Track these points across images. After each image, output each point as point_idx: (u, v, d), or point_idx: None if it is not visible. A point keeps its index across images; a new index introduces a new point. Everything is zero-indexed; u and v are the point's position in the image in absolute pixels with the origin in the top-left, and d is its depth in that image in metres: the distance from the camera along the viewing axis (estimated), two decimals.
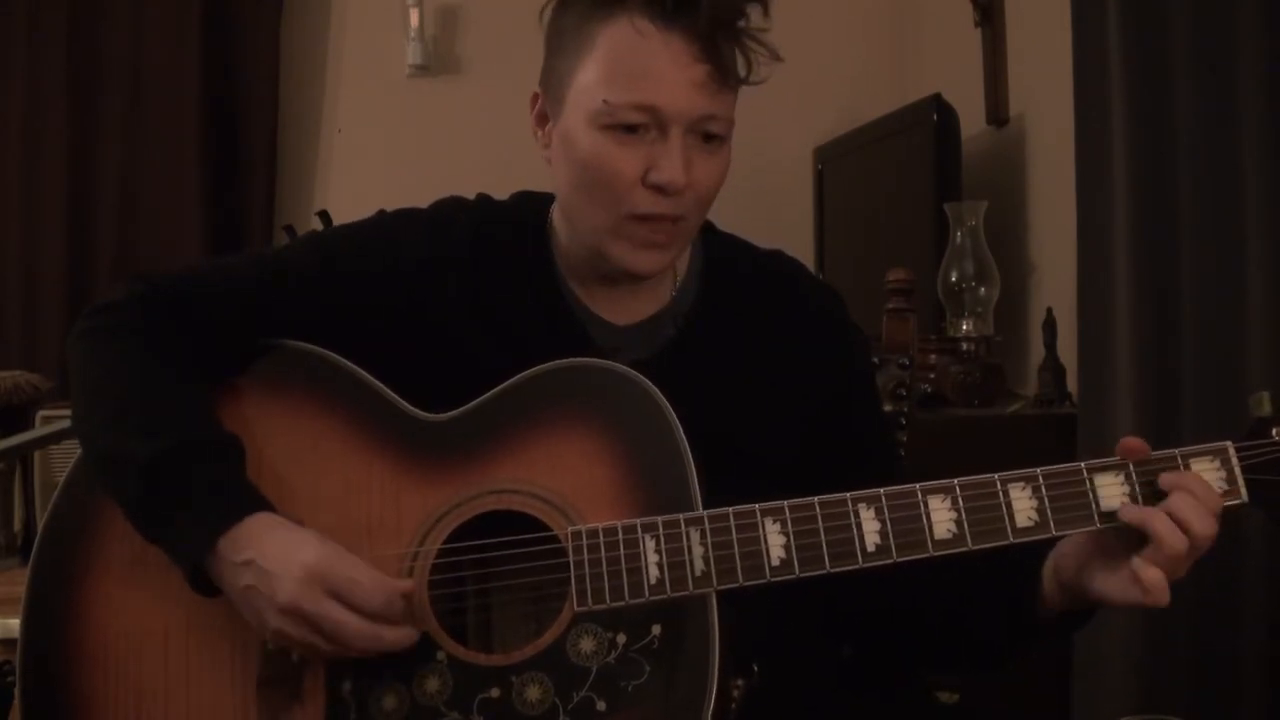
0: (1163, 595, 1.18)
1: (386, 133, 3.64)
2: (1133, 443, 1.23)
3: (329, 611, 1.22)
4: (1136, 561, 1.18)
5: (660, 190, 1.30)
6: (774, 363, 1.42)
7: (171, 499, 1.26)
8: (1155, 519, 1.18)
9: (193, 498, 1.26)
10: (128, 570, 1.33)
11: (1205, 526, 1.18)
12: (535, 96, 1.40)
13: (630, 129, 1.30)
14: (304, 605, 1.21)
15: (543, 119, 1.39)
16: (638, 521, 1.23)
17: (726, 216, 1.54)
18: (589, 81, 1.31)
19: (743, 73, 1.33)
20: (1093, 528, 1.21)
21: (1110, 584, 1.22)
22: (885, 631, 1.45)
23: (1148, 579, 1.18)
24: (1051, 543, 1.28)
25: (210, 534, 1.24)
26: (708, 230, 1.49)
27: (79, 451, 1.37)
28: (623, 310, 1.42)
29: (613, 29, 1.30)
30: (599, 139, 1.31)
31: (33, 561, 1.36)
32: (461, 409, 1.34)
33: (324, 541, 1.25)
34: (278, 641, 1.25)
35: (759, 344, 1.42)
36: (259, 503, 1.27)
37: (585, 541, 1.24)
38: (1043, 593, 1.29)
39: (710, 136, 1.33)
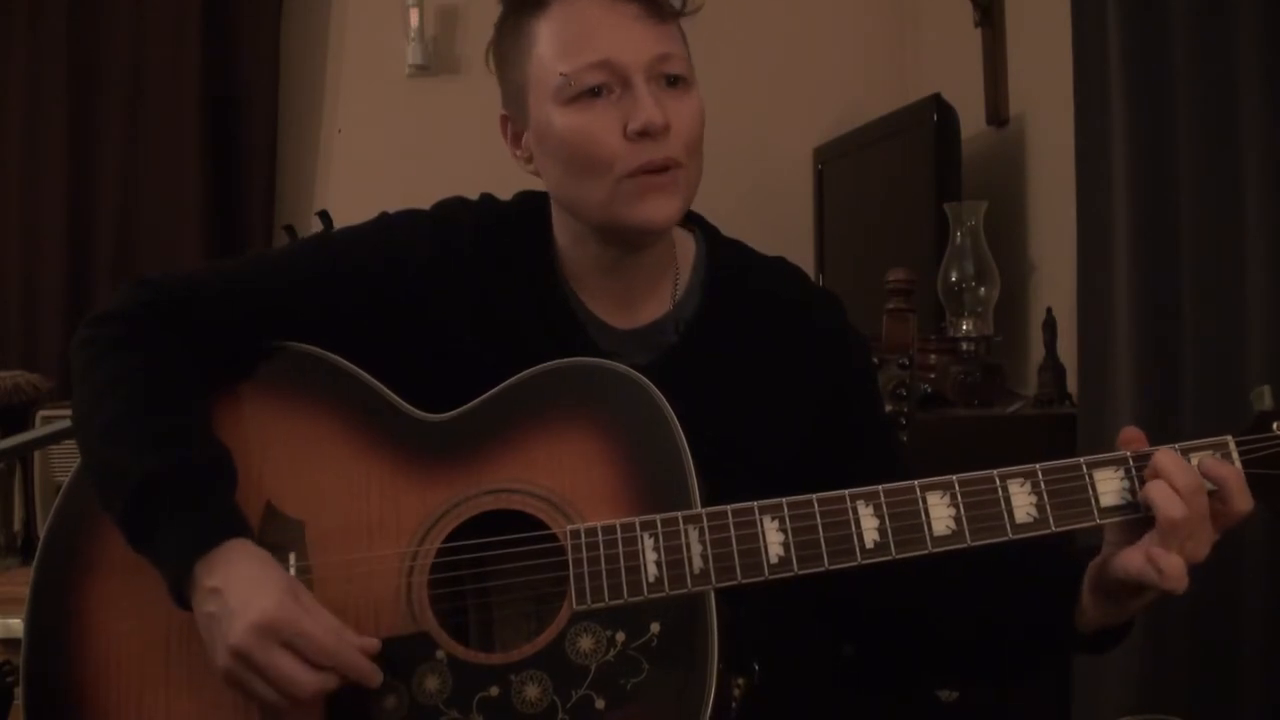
0: (1179, 582, 1.17)
1: (386, 133, 3.64)
2: (1132, 433, 1.23)
3: (276, 662, 1.20)
4: (1155, 550, 1.17)
5: (644, 136, 1.31)
6: (775, 369, 1.42)
7: (156, 517, 1.26)
8: (1149, 487, 1.19)
9: (176, 518, 1.26)
10: (131, 570, 1.32)
11: (1183, 475, 1.17)
12: (504, 119, 1.43)
13: (594, 93, 1.32)
14: (253, 654, 1.20)
15: (517, 138, 1.41)
16: (636, 520, 1.24)
17: (726, 216, 1.54)
18: (542, 69, 1.34)
19: (676, 2, 1.35)
20: (1092, 523, 1.21)
21: (1132, 557, 1.20)
22: (895, 634, 1.44)
23: (1168, 565, 1.17)
24: (1089, 559, 1.27)
25: (189, 556, 1.24)
26: (710, 236, 1.49)
27: None
28: (624, 315, 1.42)
29: (546, 17, 1.34)
30: (569, 115, 1.33)
31: (37, 561, 1.36)
32: (461, 409, 1.34)
33: (291, 589, 1.23)
34: (226, 680, 1.24)
35: (760, 350, 1.42)
36: (238, 528, 1.27)
37: (584, 540, 1.24)
38: (1082, 611, 1.28)
39: (673, 80, 1.34)
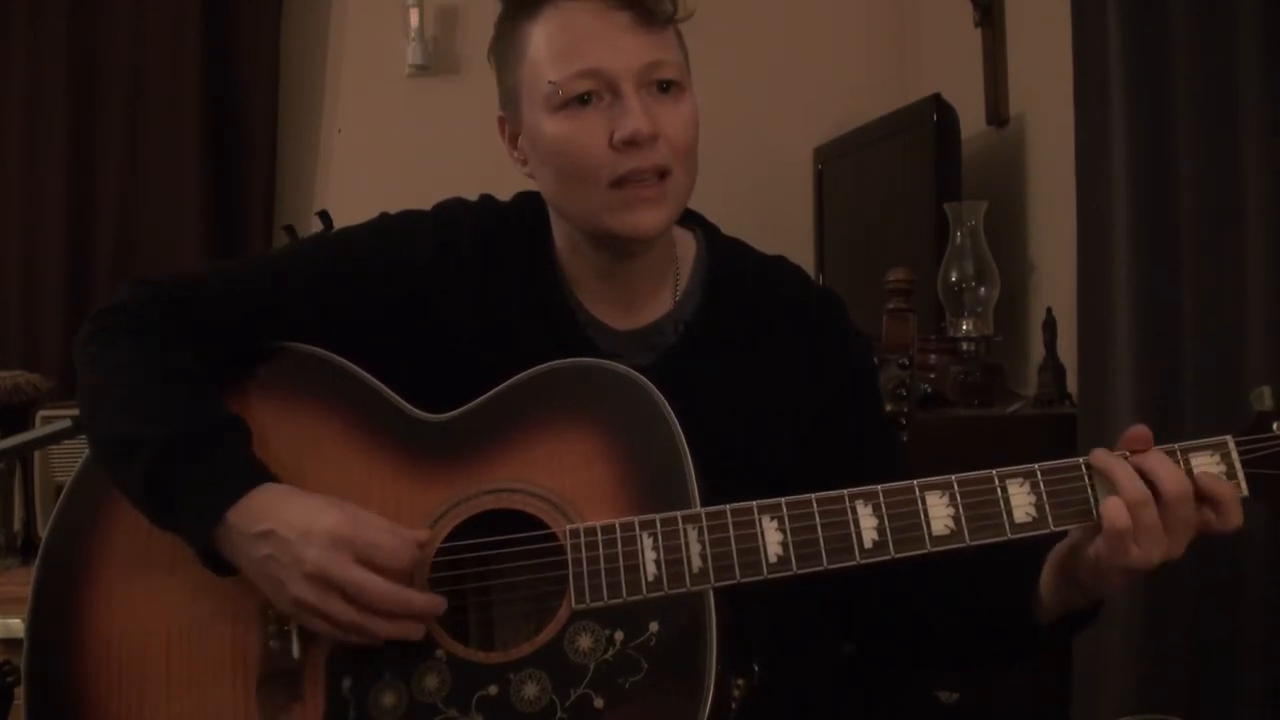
0: (1120, 517, 1.17)
1: (386, 133, 3.64)
2: (1139, 431, 1.23)
3: (355, 576, 1.22)
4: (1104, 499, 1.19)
5: (631, 144, 1.30)
6: (775, 369, 1.42)
7: (176, 480, 1.27)
8: (1118, 465, 1.19)
9: (198, 476, 1.27)
10: (132, 570, 1.34)
11: (1174, 483, 1.18)
12: (501, 120, 1.43)
13: (583, 101, 1.32)
14: (331, 571, 1.22)
15: (514, 140, 1.42)
16: (635, 519, 1.24)
17: (726, 216, 1.54)
18: (534, 75, 1.34)
19: (669, 9, 1.34)
20: (1091, 522, 1.21)
21: (1095, 540, 1.21)
22: (890, 631, 1.45)
23: (1105, 509, 1.18)
24: (1049, 548, 1.28)
25: (218, 507, 1.25)
26: (710, 235, 1.49)
27: (84, 452, 1.38)
28: (624, 315, 1.43)
29: (540, 22, 1.34)
30: (558, 122, 1.33)
31: (38, 561, 1.37)
32: (461, 409, 1.34)
33: (341, 505, 1.26)
34: (295, 611, 1.25)
35: (760, 350, 1.43)
36: (266, 475, 1.28)
37: (583, 539, 1.24)
38: (1040, 596, 1.29)
39: (666, 86, 1.33)
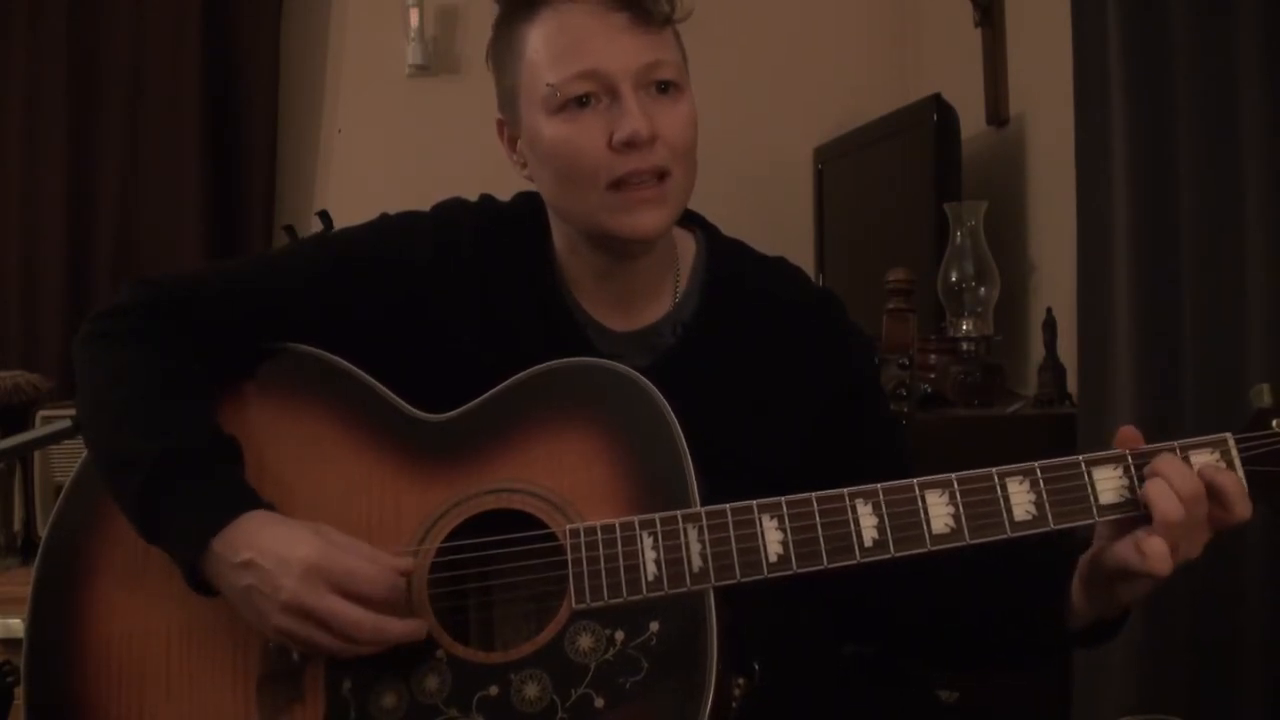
0: (1161, 564, 1.16)
1: (386, 133, 3.64)
2: (1129, 432, 1.23)
3: (332, 606, 1.22)
4: (1140, 534, 1.18)
5: (630, 146, 1.30)
6: (775, 370, 1.42)
7: (167, 501, 1.27)
8: (1150, 487, 1.18)
9: (188, 500, 1.27)
10: (131, 571, 1.34)
11: (1187, 484, 1.17)
12: (500, 123, 1.43)
13: (582, 103, 1.32)
14: (306, 601, 1.22)
15: (513, 142, 1.42)
16: (635, 519, 1.24)
17: (726, 216, 1.54)
18: (532, 77, 1.34)
19: (667, 10, 1.34)
20: (1091, 520, 1.21)
21: (1121, 549, 1.20)
22: (894, 631, 1.45)
23: (1148, 547, 1.17)
24: (1078, 553, 1.27)
25: (204, 534, 1.25)
26: (710, 236, 1.49)
27: (84, 452, 1.38)
28: (623, 317, 1.43)
29: (537, 23, 1.34)
30: (557, 124, 1.33)
31: (38, 561, 1.37)
32: (461, 409, 1.34)
33: (321, 534, 1.25)
34: (280, 640, 1.26)
35: (760, 351, 1.43)
36: (253, 501, 1.28)
37: (583, 539, 1.24)
38: (1071, 604, 1.29)
39: (664, 86, 1.33)
